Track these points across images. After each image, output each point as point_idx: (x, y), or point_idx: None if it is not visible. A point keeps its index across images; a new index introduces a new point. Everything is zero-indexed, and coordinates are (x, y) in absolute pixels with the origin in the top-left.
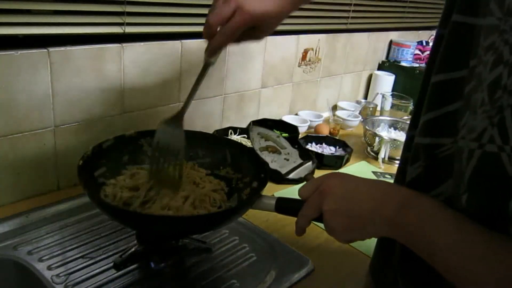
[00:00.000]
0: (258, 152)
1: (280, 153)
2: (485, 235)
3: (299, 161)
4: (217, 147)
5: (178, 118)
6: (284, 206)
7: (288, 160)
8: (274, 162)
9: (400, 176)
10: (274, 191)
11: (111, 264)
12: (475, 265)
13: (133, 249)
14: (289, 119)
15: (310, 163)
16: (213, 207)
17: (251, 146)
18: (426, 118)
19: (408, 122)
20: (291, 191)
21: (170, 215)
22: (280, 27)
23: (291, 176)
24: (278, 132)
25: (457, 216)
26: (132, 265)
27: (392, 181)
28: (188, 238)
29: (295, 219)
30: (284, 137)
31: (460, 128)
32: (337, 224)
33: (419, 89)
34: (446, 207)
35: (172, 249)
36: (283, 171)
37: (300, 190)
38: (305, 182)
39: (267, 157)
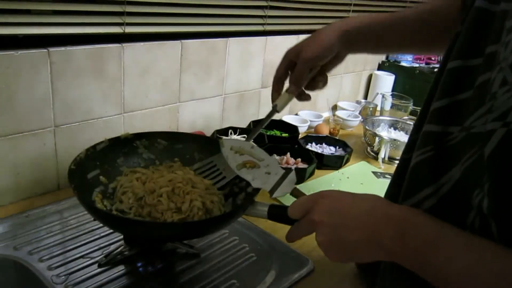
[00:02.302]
0: (236, 171)
1: (259, 166)
2: (495, 250)
3: (281, 171)
4: (213, 150)
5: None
6: (276, 213)
7: (269, 173)
8: (255, 179)
9: (396, 176)
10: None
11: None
12: (494, 286)
13: (118, 250)
14: (289, 119)
15: (292, 172)
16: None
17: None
18: (438, 105)
19: (408, 122)
20: (287, 197)
21: (157, 222)
22: (279, 27)
23: (276, 193)
24: (279, 131)
25: (461, 234)
26: (119, 265)
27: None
28: (177, 242)
29: None
30: (285, 137)
31: (469, 116)
32: (332, 254)
33: (419, 87)
34: (445, 225)
35: (165, 250)
36: (268, 187)
37: (289, 211)
38: (294, 200)
39: (247, 175)
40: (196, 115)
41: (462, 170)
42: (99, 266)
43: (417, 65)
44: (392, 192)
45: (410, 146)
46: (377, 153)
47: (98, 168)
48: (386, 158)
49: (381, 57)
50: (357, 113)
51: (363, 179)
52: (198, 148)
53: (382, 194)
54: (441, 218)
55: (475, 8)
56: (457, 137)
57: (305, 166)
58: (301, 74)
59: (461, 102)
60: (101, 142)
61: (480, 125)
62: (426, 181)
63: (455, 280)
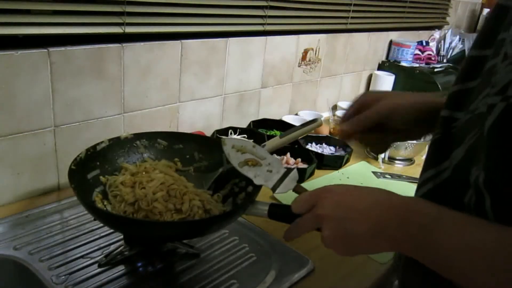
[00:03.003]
0: (238, 168)
1: (261, 165)
2: (494, 229)
3: (283, 169)
4: (213, 150)
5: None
6: (277, 212)
7: (271, 171)
8: (257, 176)
9: None
10: (271, 193)
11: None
12: (494, 267)
13: (118, 250)
14: (289, 119)
15: (294, 170)
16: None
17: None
18: (452, 90)
19: None
20: (289, 193)
21: (159, 221)
22: (279, 27)
23: (279, 190)
24: (279, 131)
25: (458, 215)
26: (119, 265)
27: (391, 180)
28: (177, 242)
29: None
30: None
31: (474, 101)
32: (339, 248)
33: (419, 87)
34: (443, 209)
35: (166, 250)
36: (270, 185)
37: (292, 206)
38: (296, 196)
39: (249, 172)
40: (196, 115)
41: (465, 149)
42: (99, 266)
43: (417, 65)
44: None
45: None
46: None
47: (98, 168)
48: (386, 158)
49: (382, 57)
50: None
51: (363, 179)
52: (198, 148)
53: None
54: (441, 198)
55: (496, 5)
56: (462, 121)
57: (305, 166)
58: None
59: (470, 90)
60: (101, 142)
61: (482, 105)
62: (431, 163)
63: (456, 263)
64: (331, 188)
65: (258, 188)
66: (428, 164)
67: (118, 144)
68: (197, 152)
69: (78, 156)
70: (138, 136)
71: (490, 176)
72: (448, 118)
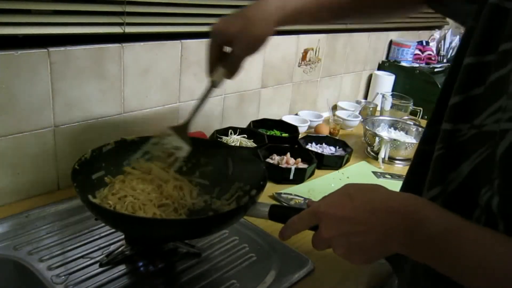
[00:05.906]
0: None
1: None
2: (503, 239)
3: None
4: (219, 155)
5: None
6: (277, 213)
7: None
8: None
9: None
10: (274, 190)
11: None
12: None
13: (119, 249)
14: (289, 119)
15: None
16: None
17: (251, 146)
18: (453, 102)
19: (408, 122)
20: (292, 191)
21: (159, 219)
22: (279, 27)
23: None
24: (279, 131)
25: (468, 226)
26: (120, 265)
27: (391, 180)
28: (178, 241)
29: None
30: (285, 137)
31: (481, 114)
32: (357, 260)
33: (419, 87)
34: (451, 218)
35: (167, 249)
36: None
37: (291, 225)
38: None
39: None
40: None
41: (472, 166)
42: (101, 265)
43: (417, 65)
44: (411, 180)
45: (427, 139)
46: (377, 153)
47: (104, 170)
48: (386, 158)
49: (382, 57)
50: (357, 113)
51: (363, 179)
52: (204, 151)
53: None
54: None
55: (489, 4)
56: (466, 134)
57: (305, 166)
58: (238, 64)
59: (472, 98)
60: (107, 144)
61: (492, 123)
62: (438, 179)
63: (467, 273)
64: (327, 204)
65: (261, 191)
66: (433, 181)
67: (124, 146)
68: (203, 156)
69: (82, 156)
70: (144, 139)
71: (506, 203)
72: (451, 131)
